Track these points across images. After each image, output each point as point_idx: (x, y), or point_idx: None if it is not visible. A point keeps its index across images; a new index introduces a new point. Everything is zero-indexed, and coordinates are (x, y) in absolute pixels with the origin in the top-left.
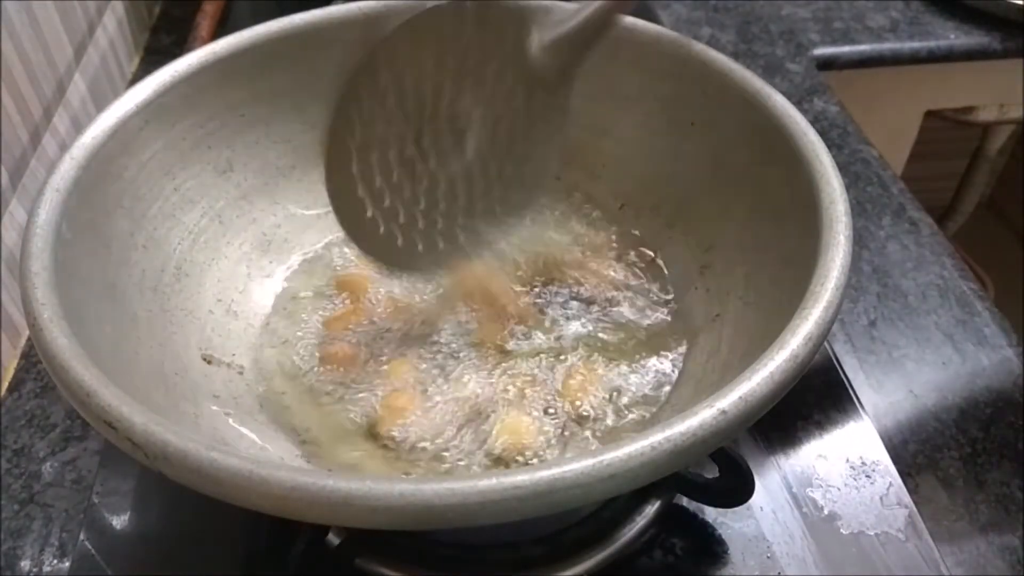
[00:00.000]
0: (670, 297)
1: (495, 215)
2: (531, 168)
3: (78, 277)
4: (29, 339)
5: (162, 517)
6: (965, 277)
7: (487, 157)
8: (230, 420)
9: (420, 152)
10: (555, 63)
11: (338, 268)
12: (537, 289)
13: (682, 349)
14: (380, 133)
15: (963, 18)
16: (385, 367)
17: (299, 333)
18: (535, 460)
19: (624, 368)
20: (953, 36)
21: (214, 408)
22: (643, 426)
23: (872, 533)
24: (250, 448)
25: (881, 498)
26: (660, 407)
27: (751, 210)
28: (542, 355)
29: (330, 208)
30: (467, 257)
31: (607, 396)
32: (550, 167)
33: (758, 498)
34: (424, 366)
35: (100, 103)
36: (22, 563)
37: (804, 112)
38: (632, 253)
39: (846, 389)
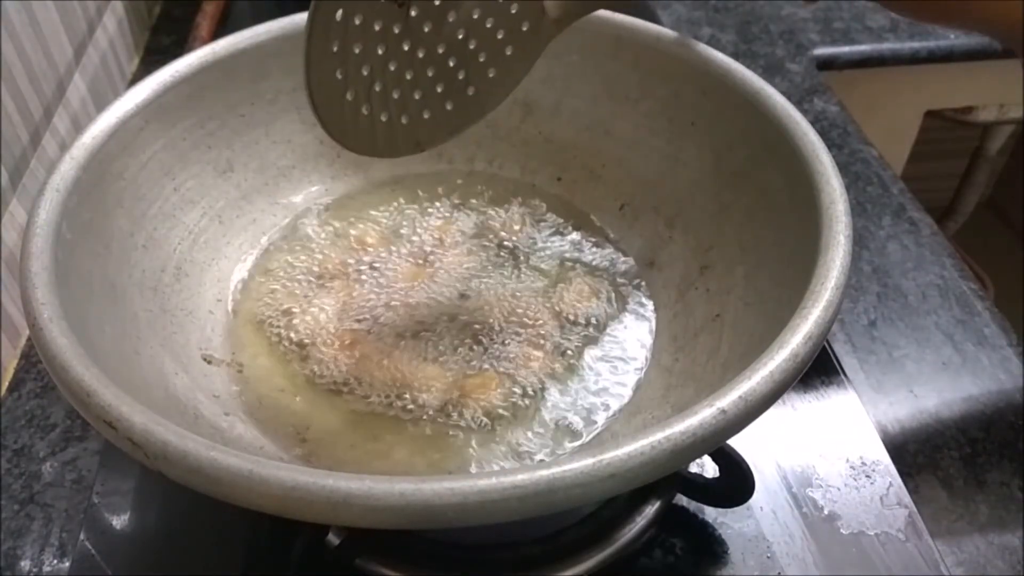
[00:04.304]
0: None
1: (456, 101)
2: (496, 74)
3: (78, 277)
4: (29, 339)
5: (162, 517)
6: (965, 277)
7: (468, 35)
8: (230, 419)
9: (407, 24)
10: (558, 5)
11: (336, 269)
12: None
13: (680, 350)
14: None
15: None
16: (385, 364)
17: (299, 333)
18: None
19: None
20: (953, 36)
21: (214, 408)
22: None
23: (872, 533)
24: (250, 447)
25: (881, 498)
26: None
27: (751, 210)
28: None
29: (330, 208)
30: (420, 147)
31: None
32: (509, 86)
33: (758, 498)
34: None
35: (100, 103)
36: (22, 563)
37: (804, 112)
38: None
39: (846, 389)
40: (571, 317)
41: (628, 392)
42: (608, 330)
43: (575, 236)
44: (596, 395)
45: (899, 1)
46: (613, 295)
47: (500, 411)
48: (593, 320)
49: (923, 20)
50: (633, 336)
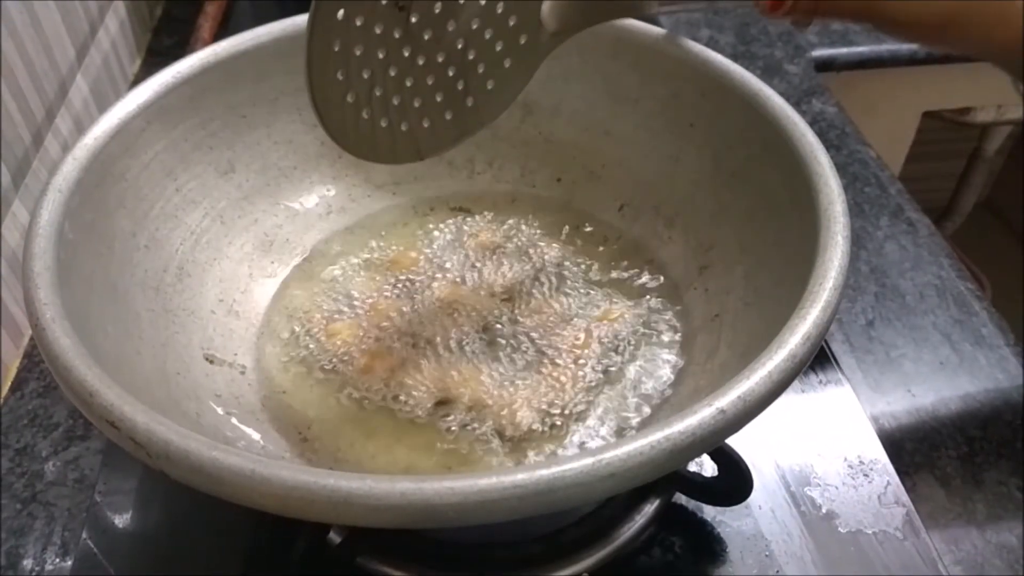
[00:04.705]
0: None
1: (456, 111)
2: (495, 86)
3: (80, 277)
4: (32, 339)
5: (164, 516)
6: (963, 277)
7: (467, 45)
8: (232, 419)
9: (407, 29)
10: (556, 19)
11: (337, 268)
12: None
13: (680, 350)
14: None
15: None
16: (388, 364)
17: (300, 332)
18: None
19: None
20: None
21: (216, 408)
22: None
23: (870, 532)
24: (252, 447)
25: (879, 497)
26: (659, 407)
27: (750, 211)
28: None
29: (331, 209)
30: (420, 155)
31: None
32: (508, 98)
33: (756, 497)
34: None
35: (102, 104)
36: (24, 562)
37: (802, 113)
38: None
39: (844, 388)
40: (603, 333)
41: (654, 405)
42: (636, 344)
43: (580, 246)
44: (630, 407)
45: (897, 29)
46: (640, 307)
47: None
48: (623, 335)
49: (921, 45)
50: (658, 350)
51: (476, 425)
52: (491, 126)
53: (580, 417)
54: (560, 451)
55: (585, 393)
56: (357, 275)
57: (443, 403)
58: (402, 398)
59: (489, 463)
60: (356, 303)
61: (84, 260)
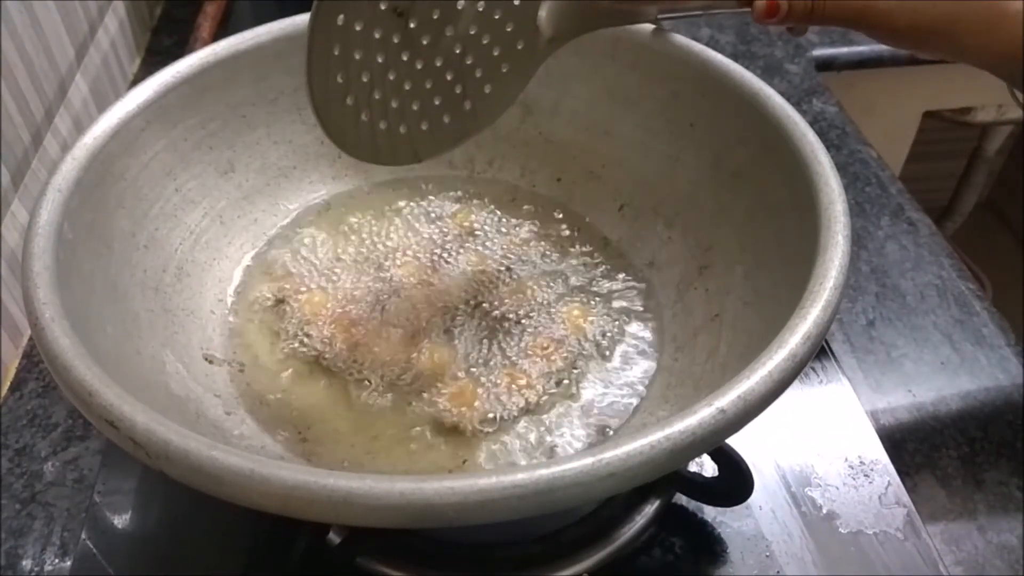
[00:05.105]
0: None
1: (454, 115)
2: (493, 90)
3: (80, 277)
4: (31, 339)
5: (163, 516)
6: (963, 277)
7: (465, 50)
8: (231, 418)
9: (406, 34)
10: (552, 25)
11: (335, 267)
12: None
13: (674, 349)
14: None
15: None
16: (383, 360)
17: (298, 331)
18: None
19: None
20: None
21: (215, 407)
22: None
23: (871, 532)
24: (251, 447)
25: (880, 497)
26: (637, 408)
27: (750, 210)
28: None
29: (330, 206)
30: (418, 157)
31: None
32: (505, 102)
33: (757, 497)
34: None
35: (101, 104)
36: (24, 562)
37: (803, 113)
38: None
39: (845, 388)
40: (583, 327)
41: (636, 400)
42: (617, 336)
43: (580, 245)
44: (612, 406)
45: (891, 35)
46: (619, 301)
47: (508, 416)
48: (616, 334)
49: (917, 52)
50: (638, 344)
51: (449, 413)
52: (491, 125)
53: (542, 410)
54: (512, 443)
55: (566, 389)
56: (355, 274)
57: (429, 382)
58: (403, 392)
59: (436, 457)
60: (361, 298)
61: (83, 260)
